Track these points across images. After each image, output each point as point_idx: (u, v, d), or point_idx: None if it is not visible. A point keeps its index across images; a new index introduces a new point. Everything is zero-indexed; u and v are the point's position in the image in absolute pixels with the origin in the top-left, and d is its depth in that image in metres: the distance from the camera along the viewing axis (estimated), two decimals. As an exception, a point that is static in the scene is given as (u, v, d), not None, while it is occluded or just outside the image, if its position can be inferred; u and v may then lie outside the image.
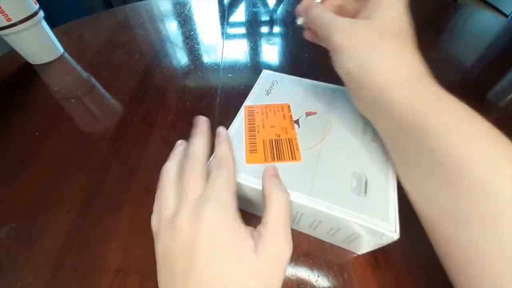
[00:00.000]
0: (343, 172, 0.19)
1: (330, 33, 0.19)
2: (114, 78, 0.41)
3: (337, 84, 0.26)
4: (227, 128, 0.22)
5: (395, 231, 0.16)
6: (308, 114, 0.24)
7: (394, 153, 0.18)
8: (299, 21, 0.24)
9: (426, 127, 0.15)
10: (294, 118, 0.24)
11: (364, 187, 0.19)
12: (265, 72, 0.29)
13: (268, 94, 0.26)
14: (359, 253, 0.21)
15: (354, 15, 0.22)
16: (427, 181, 0.16)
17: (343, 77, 0.20)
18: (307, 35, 0.25)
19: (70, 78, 0.42)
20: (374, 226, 0.17)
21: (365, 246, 0.20)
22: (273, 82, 0.27)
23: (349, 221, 0.17)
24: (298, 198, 0.18)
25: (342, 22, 0.19)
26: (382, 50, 0.17)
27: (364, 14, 0.19)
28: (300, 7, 0.23)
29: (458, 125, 0.15)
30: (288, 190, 0.18)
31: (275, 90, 0.27)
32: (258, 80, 0.28)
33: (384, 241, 0.17)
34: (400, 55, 0.17)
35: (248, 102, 0.26)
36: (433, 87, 0.17)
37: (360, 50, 0.18)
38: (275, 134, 0.22)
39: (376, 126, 0.20)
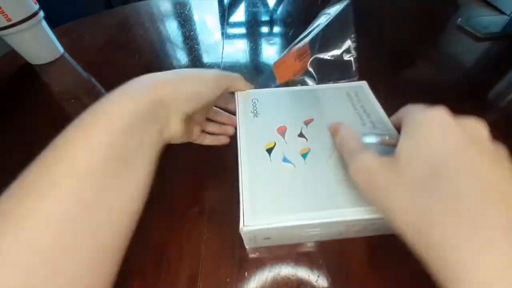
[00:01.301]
0: None
1: (348, 164, 0.18)
2: (114, 78, 0.40)
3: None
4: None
5: None
6: (306, 122, 0.24)
7: None
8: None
9: None
10: (298, 132, 0.23)
11: None
12: (239, 94, 0.26)
13: (256, 116, 0.24)
14: None
15: None
16: None
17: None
18: None
19: (70, 78, 0.42)
20: None
21: None
22: (253, 100, 0.26)
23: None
24: (335, 216, 0.18)
25: (362, 158, 0.16)
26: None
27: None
28: (331, 125, 0.22)
29: None
30: (319, 213, 0.18)
31: (260, 109, 0.25)
32: (237, 104, 0.26)
33: None
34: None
35: (241, 128, 0.23)
36: None
37: (377, 200, 0.15)
38: None
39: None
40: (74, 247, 0.13)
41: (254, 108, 0.25)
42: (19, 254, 0.12)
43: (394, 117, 0.21)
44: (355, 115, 0.24)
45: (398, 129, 0.21)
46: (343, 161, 0.19)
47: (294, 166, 0.21)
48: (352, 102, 0.25)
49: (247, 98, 0.26)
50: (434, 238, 0.12)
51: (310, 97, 0.26)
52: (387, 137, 0.18)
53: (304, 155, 0.21)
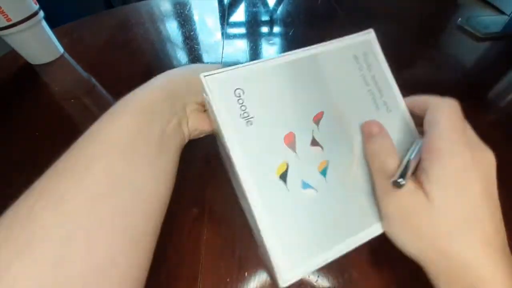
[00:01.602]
0: None
1: (378, 188, 0.17)
2: (114, 78, 0.41)
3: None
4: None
5: None
6: (316, 120, 0.19)
7: None
8: None
9: None
10: (309, 139, 0.18)
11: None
12: (208, 80, 0.17)
13: (250, 123, 0.17)
14: None
15: None
16: None
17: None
18: None
19: (70, 78, 0.42)
20: None
21: None
22: (237, 92, 0.17)
23: None
24: (370, 235, 0.18)
25: (400, 195, 0.16)
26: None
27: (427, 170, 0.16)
28: (366, 124, 0.19)
29: None
30: (354, 238, 0.17)
31: (252, 109, 0.17)
32: (211, 99, 0.16)
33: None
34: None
35: (234, 148, 0.16)
36: None
37: (415, 237, 0.16)
38: None
39: None
40: (108, 223, 0.14)
41: (243, 108, 0.17)
42: (59, 227, 0.13)
43: (412, 103, 0.21)
44: (367, 95, 0.20)
45: (412, 113, 0.20)
46: (369, 171, 0.18)
47: (317, 191, 0.17)
48: (362, 72, 0.20)
49: (224, 86, 0.17)
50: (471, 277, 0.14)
51: (310, 71, 0.19)
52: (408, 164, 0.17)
53: (323, 172, 0.18)
